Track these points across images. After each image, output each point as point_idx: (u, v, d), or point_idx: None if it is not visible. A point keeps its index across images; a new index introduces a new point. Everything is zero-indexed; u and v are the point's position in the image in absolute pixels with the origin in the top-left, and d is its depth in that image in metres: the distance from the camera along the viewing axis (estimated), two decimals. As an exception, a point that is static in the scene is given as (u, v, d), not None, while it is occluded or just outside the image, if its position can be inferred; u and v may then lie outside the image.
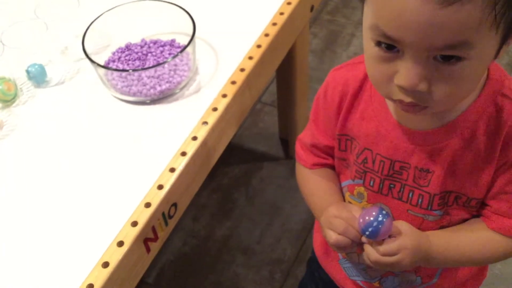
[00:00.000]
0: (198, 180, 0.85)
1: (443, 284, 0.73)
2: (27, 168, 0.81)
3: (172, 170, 0.78)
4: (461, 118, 0.58)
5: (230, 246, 1.41)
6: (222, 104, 0.86)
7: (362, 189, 0.69)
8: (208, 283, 1.35)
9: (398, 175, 0.64)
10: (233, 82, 0.89)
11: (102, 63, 0.90)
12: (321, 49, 1.87)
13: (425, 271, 0.71)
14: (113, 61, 0.93)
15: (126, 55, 0.93)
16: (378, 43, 0.50)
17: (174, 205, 0.79)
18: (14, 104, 0.90)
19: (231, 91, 0.88)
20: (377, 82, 0.55)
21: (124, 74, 0.87)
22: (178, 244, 1.42)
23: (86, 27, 0.90)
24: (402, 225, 0.61)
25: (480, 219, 0.65)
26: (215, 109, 0.86)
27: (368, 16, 0.51)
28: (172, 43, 0.95)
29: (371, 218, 0.58)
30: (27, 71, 0.91)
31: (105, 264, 0.69)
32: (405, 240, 0.60)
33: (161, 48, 0.94)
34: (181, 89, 0.90)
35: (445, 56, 0.47)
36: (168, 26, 0.95)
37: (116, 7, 0.93)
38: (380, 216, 0.58)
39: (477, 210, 0.64)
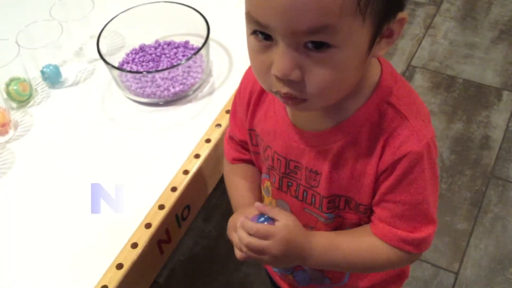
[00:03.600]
0: (211, 183, 0.85)
1: (352, 284, 0.73)
2: (41, 168, 0.82)
3: (186, 172, 0.78)
4: (346, 122, 0.58)
5: (240, 247, 1.41)
6: (236, 106, 0.86)
7: (269, 183, 0.70)
8: (219, 284, 1.35)
9: (293, 174, 0.65)
10: (247, 84, 0.89)
11: (116, 64, 0.91)
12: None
13: (333, 273, 0.72)
14: (127, 63, 0.93)
15: (140, 57, 0.94)
16: (254, 32, 0.51)
17: (187, 207, 0.79)
18: (29, 105, 0.91)
19: (245, 93, 0.88)
20: (258, 74, 0.55)
21: (138, 75, 0.87)
22: (189, 245, 1.42)
23: (101, 28, 0.90)
24: (287, 218, 0.60)
25: (369, 225, 0.65)
26: (228, 111, 0.86)
27: (245, 5, 0.52)
28: (185, 45, 0.95)
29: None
30: (42, 72, 0.92)
31: (119, 266, 0.69)
32: (281, 229, 0.59)
33: (174, 50, 0.94)
34: (195, 91, 0.90)
35: (316, 44, 0.48)
36: (182, 28, 0.95)
37: (130, 8, 0.94)
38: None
39: (368, 216, 0.64)
